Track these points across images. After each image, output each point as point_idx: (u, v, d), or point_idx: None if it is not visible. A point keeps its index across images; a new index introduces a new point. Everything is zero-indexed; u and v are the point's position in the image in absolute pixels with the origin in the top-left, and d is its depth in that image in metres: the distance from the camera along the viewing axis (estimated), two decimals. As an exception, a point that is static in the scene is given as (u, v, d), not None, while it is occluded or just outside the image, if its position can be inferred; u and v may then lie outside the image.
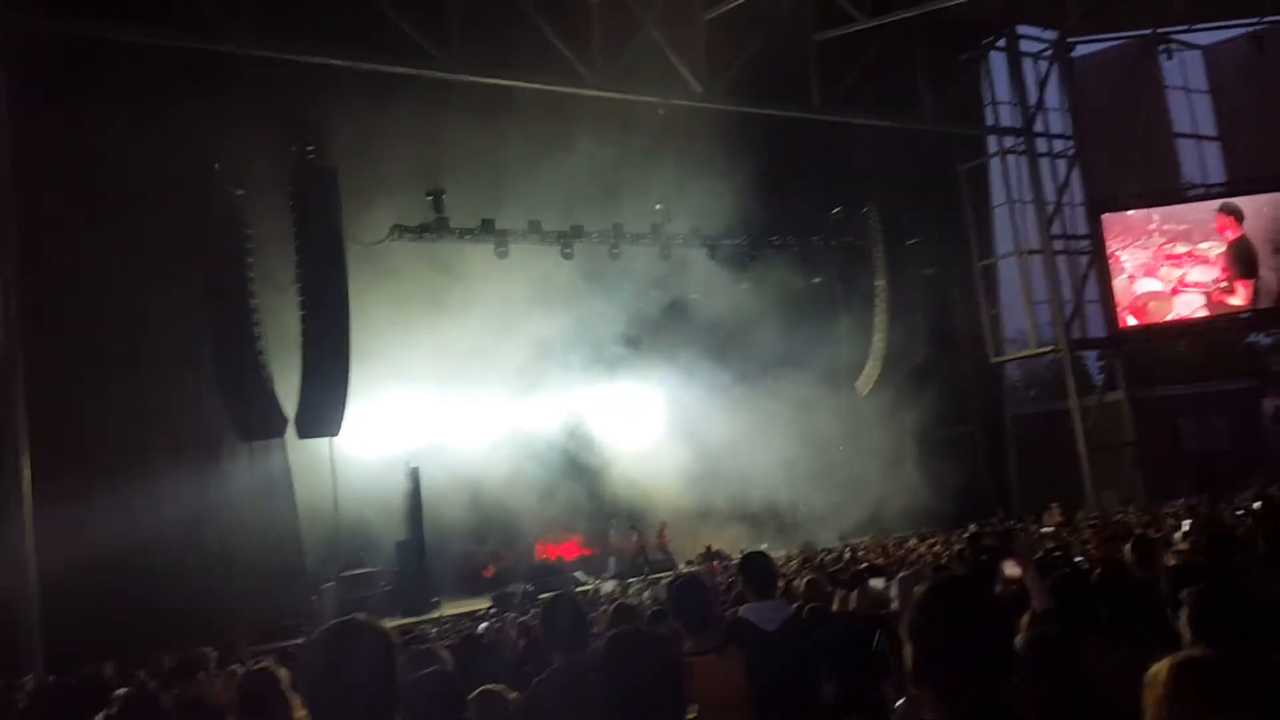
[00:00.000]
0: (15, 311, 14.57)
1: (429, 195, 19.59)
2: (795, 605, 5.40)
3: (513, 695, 3.67)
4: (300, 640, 13.20)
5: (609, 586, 18.50)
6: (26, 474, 14.20)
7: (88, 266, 15.91)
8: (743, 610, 4.33)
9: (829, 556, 15.58)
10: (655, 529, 22.03)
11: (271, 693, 2.69)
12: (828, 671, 4.54)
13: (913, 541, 16.39)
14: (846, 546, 17.68)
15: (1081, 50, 27.85)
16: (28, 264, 14.82)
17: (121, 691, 4.95)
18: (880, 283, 25.00)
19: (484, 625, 10.39)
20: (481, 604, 17.49)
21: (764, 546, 22.02)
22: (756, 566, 4.83)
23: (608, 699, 1.98)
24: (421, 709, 2.73)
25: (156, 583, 15.35)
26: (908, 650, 2.09)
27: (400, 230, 19.42)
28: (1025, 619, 3.47)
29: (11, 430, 14.30)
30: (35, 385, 14.63)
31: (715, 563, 7.82)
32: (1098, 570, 6.37)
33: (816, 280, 24.29)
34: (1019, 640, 2.56)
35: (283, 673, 2.76)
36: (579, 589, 16.81)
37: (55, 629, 13.79)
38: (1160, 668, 2.14)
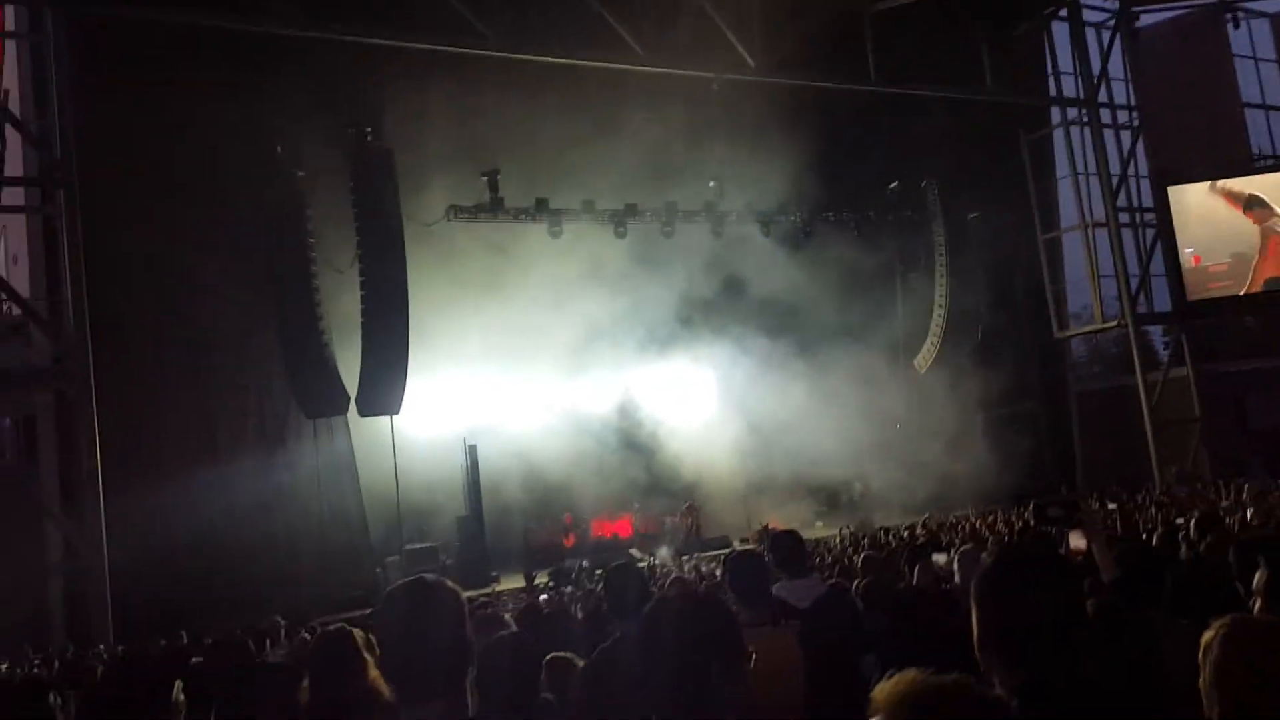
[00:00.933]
0: (84, 299, 14.95)
1: (484, 175, 19.72)
2: (830, 583, 5.40)
3: (580, 663, 3.73)
4: (368, 611, 13.43)
5: (664, 553, 18.64)
6: (97, 456, 14.62)
7: (151, 251, 16.27)
8: (776, 589, 4.33)
9: (887, 535, 15.49)
10: (684, 508, 21.92)
11: (348, 649, 2.75)
12: (867, 645, 4.56)
13: (974, 519, 16.22)
14: (904, 525, 17.54)
15: (1146, 19, 27.13)
16: (92, 251, 15.18)
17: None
18: (940, 258, 24.67)
19: (543, 597, 10.52)
20: (539, 579, 17.67)
21: (819, 525, 21.99)
22: (787, 545, 4.84)
23: (666, 658, 2.00)
24: (499, 671, 2.79)
25: (224, 562, 15.73)
26: (975, 620, 2.07)
27: (456, 210, 19.58)
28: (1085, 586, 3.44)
29: (83, 416, 14.72)
30: (103, 370, 15.02)
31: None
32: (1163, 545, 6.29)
33: (875, 256, 23.96)
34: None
35: (358, 632, 2.82)
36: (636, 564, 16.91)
37: (126, 608, 14.18)
38: (1216, 629, 2.13)
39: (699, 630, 2.04)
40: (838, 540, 16.28)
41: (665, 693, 2.00)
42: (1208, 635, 2.15)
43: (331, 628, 3.14)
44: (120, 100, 15.87)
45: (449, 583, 2.12)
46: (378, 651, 2.28)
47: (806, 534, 18.21)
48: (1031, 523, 3.84)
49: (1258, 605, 2.92)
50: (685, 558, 17.44)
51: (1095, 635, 2.03)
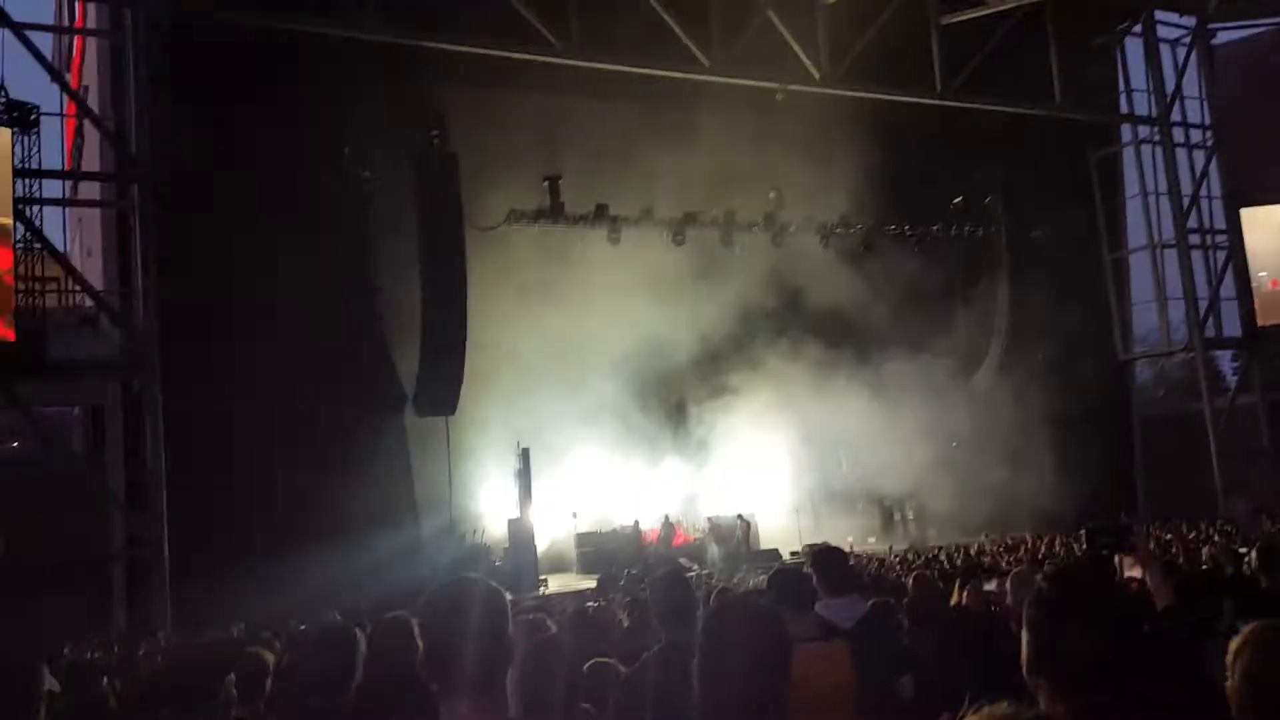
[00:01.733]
0: (155, 293, 15.32)
1: (545, 180, 19.87)
2: (873, 602, 5.35)
3: (623, 670, 3.73)
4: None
5: (712, 560, 18.57)
6: (162, 447, 14.95)
7: (219, 249, 16.54)
8: (818, 608, 4.28)
9: (941, 554, 15.32)
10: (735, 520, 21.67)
11: (403, 631, 2.80)
12: (907, 666, 4.50)
13: (1030, 542, 15.96)
14: (958, 544, 17.32)
15: (1222, 37, 26.59)
16: (164, 246, 15.56)
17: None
18: (1002, 275, 24.34)
19: (590, 604, 10.53)
20: (586, 584, 17.73)
21: (871, 540, 21.78)
22: (831, 562, 4.77)
23: (713, 660, 2.00)
24: (539, 673, 2.80)
25: (280, 557, 15.85)
26: (1024, 643, 2.04)
27: (516, 215, 19.75)
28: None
29: (150, 408, 15.07)
30: (170, 363, 15.35)
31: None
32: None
33: (935, 271, 23.68)
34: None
35: (415, 621, 2.87)
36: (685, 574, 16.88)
37: (184, 599, 14.46)
38: (1245, 635, 2.10)
39: (762, 640, 2.04)
40: (891, 557, 16.12)
41: (728, 703, 2.00)
42: (1237, 642, 2.12)
43: (390, 615, 3.19)
44: (194, 98, 16.24)
45: (491, 583, 2.14)
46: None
47: (860, 550, 18.16)
48: (1085, 548, 3.77)
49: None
50: (737, 572, 17.38)
51: (1148, 663, 1.99)
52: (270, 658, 3.99)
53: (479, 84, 18.24)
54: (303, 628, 8.92)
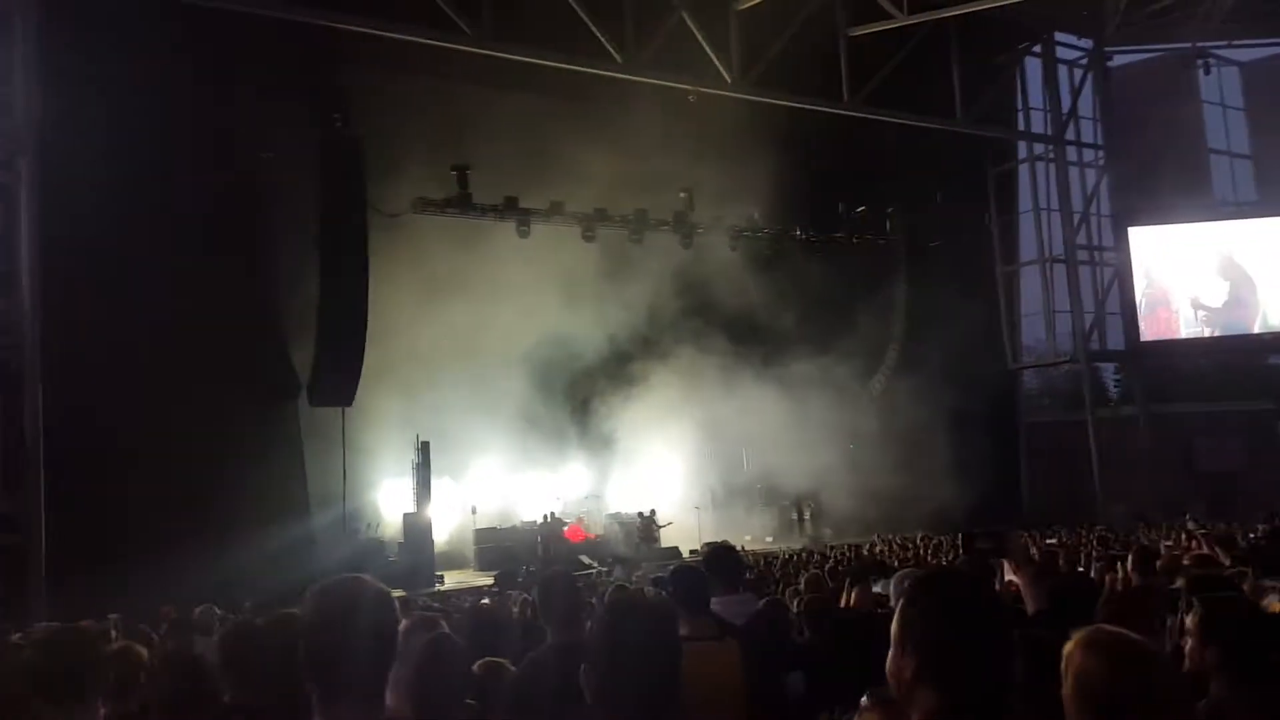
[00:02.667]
0: (37, 269, 14.69)
1: (454, 170, 19.61)
2: (765, 599, 5.44)
3: (512, 669, 3.71)
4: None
5: (616, 547, 18.59)
6: (40, 428, 14.33)
7: (108, 227, 15.87)
8: (713, 604, 4.34)
9: (835, 554, 15.61)
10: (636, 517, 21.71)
11: (293, 630, 2.74)
12: (794, 663, 4.59)
13: (919, 544, 16.37)
14: (851, 545, 17.67)
15: (1118, 60, 27.65)
16: (48, 222, 14.89)
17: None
18: (900, 284, 24.89)
19: (485, 600, 10.47)
20: (484, 580, 17.61)
21: (769, 539, 22.09)
22: (724, 560, 4.84)
23: (608, 660, 1.99)
24: (435, 672, 2.76)
25: (163, 547, 15.32)
26: (897, 642, 2.02)
27: (423, 203, 19.45)
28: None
29: (29, 386, 14.43)
30: (51, 343, 14.72)
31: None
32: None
33: (837, 277, 24.13)
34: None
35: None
36: (584, 571, 16.95)
37: (61, 587, 13.85)
38: (1077, 639, 2.16)
39: (654, 638, 2.03)
40: (786, 557, 16.35)
41: (619, 702, 1.99)
42: (1069, 645, 2.18)
43: (282, 612, 3.11)
44: (86, 71, 15.59)
45: (377, 582, 2.09)
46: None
47: (758, 549, 18.38)
48: (961, 553, 3.86)
49: (1189, 645, 2.97)
50: (637, 570, 17.43)
51: (1017, 665, 2.02)
52: (145, 653, 3.85)
53: (385, 68, 17.89)
54: (177, 619, 8.66)
